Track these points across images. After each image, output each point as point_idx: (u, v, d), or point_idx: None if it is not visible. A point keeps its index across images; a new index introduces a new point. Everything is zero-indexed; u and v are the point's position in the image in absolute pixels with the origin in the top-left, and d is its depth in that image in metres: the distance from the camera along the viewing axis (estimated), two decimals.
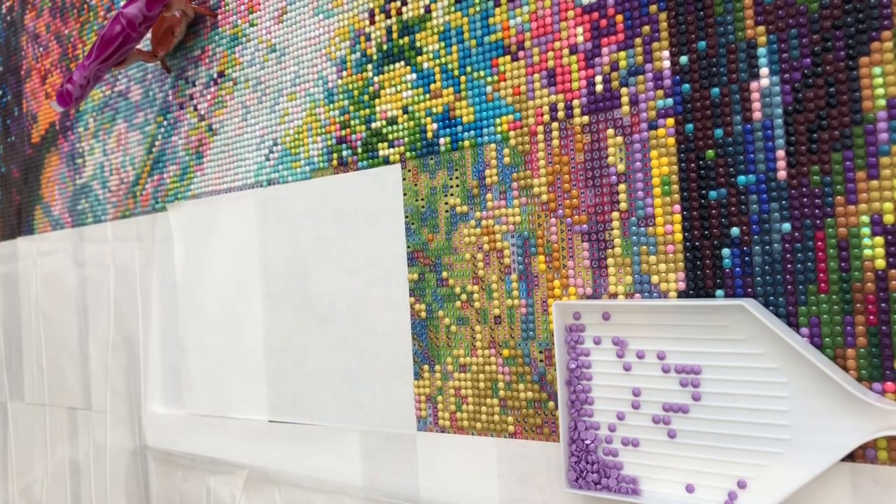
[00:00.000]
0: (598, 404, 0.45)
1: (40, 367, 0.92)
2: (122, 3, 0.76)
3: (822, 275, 0.38)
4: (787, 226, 0.39)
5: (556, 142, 0.47)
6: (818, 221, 0.38)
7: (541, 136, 0.48)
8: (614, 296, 0.45)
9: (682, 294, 0.42)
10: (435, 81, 0.53)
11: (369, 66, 0.57)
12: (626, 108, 0.44)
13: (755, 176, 0.40)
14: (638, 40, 0.44)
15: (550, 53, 0.47)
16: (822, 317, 0.38)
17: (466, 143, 0.51)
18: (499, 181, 0.50)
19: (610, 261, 0.45)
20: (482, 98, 0.50)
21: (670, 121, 0.42)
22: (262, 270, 0.65)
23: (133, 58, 0.69)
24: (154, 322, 0.76)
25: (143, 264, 0.77)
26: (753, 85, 0.40)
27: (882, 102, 0.36)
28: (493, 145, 0.50)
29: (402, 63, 0.55)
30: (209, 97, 0.70)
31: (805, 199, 0.38)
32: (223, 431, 0.69)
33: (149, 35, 0.71)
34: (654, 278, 0.43)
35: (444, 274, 0.53)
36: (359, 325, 0.58)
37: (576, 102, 0.46)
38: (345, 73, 0.59)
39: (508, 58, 0.49)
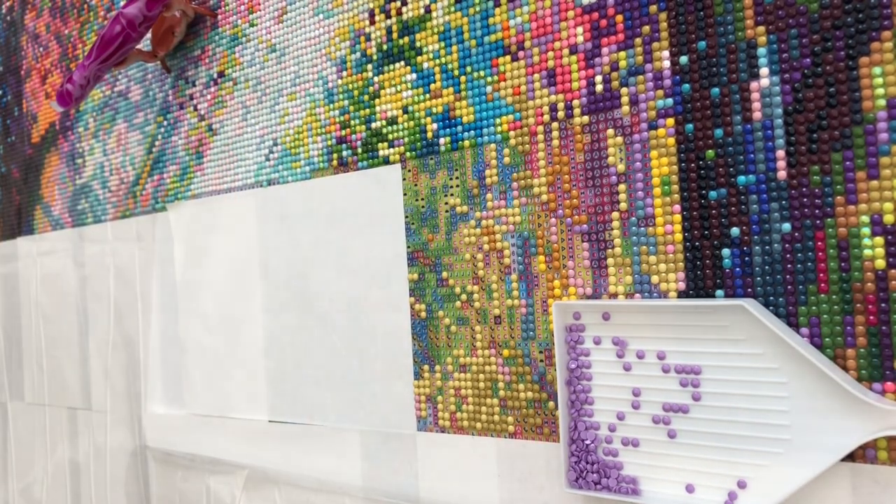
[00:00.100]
0: (598, 404, 0.45)
1: (40, 367, 0.92)
2: (122, 3, 0.76)
3: (822, 275, 0.38)
4: (787, 226, 0.39)
5: (556, 142, 0.47)
6: (818, 221, 0.38)
7: (541, 136, 0.48)
8: (614, 296, 0.45)
9: (682, 294, 0.42)
10: (435, 81, 0.53)
11: (369, 66, 0.57)
12: (626, 108, 0.44)
13: (755, 176, 0.40)
14: (638, 40, 0.44)
15: (550, 53, 0.47)
16: (822, 317, 0.38)
17: (466, 143, 0.51)
18: (499, 181, 0.50)
19: (610, 261, 0.45)
20: (482, 98, 0.50)
21: (670, 121, 0.42)
22: (262, 270, 0.65)
23: (133, 58, 0.69)
24: (154, 322, 0.76)
25: (143, 264, 0.77)
26: (753, 85, 0.40)
27: (882, 102, 0.36)
28: (493, 145, 0.50)
29: (402, 63, 0.55)
30: (209, 97, 0.70)
31: (805, 199, 0.38)
32: (223, 431, 0.69)
33: (149, 35, 0.71)
34: (654, 278, 0.43)
35: (444, 274, 0.53)
36: (359, 325, 0.58)
37: (576, 102, 0.46)
38: (345, 73, 0.59)
39: (508, 58, 0.49)
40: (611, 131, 0.45)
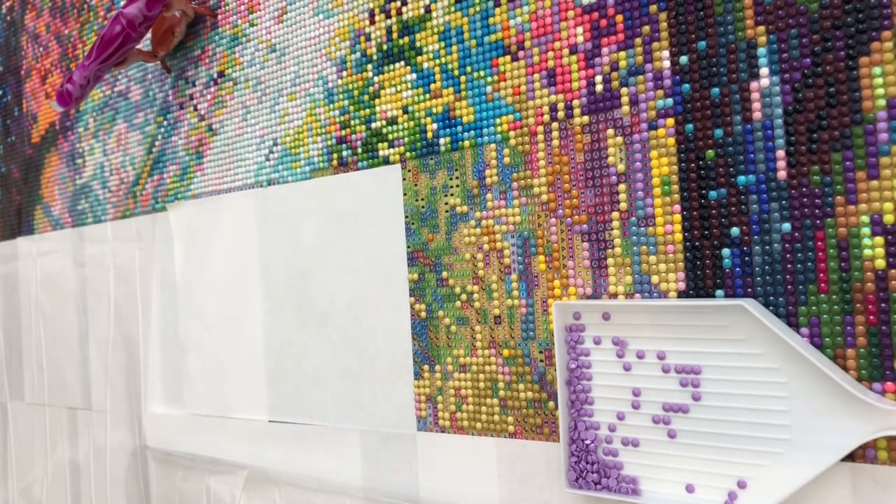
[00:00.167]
0: (598, 404, 0.45)
1: (40, 367, 0.92)
2: (122, 3, 0.76)
3: (822, 275, 0.38)
4: (787, 226, 0.39)
5: (556, 142, 0.47)
6: (818, 221, 0.38)
7: (541, 136, 0.48)
8: (614, 296, 0.45)
9: (682, 294, 0.42)
10: (435, 81, 0.53)
11: (369, 66, 0.57)
12: (626, 108, 0.44)
13: (755, 176, 0.40)
14: (638, 40, 0.44)
15: (550, 53, 0.47)
16: (822, 317, 0.38)
17: (466, 143, 0.51)
18: (499, 181, 0.50)
19: (610, 261, 0.45)
20: (482, 98, 0.50)
21: (670, 121, 0.42)
22: (262, 270, 0.65)
23: (133, 58, 0.69)
24: (154, 322, 0.76)
25: (143, 264, 0.77)
26: (753, 85, 0.40)
27: (882, 102, 0.36)
28: (493, 145, 0.50)
29: (402, 63, 0.55)
30: (209, 97, 0.70)
31: (805, 199, 0.38)
32: (223, 431, 0.69)
33: (149, 35, 0.71)
34: (654, 278, 0.43)
35: (444, 274, 0.53)
36: (359, 325, 0.58)
37: (576, 102, 0.46)
38: (345, 73, 0.59)
39: (508, 58, 0.49)
40: (611, 131, 0.45)
